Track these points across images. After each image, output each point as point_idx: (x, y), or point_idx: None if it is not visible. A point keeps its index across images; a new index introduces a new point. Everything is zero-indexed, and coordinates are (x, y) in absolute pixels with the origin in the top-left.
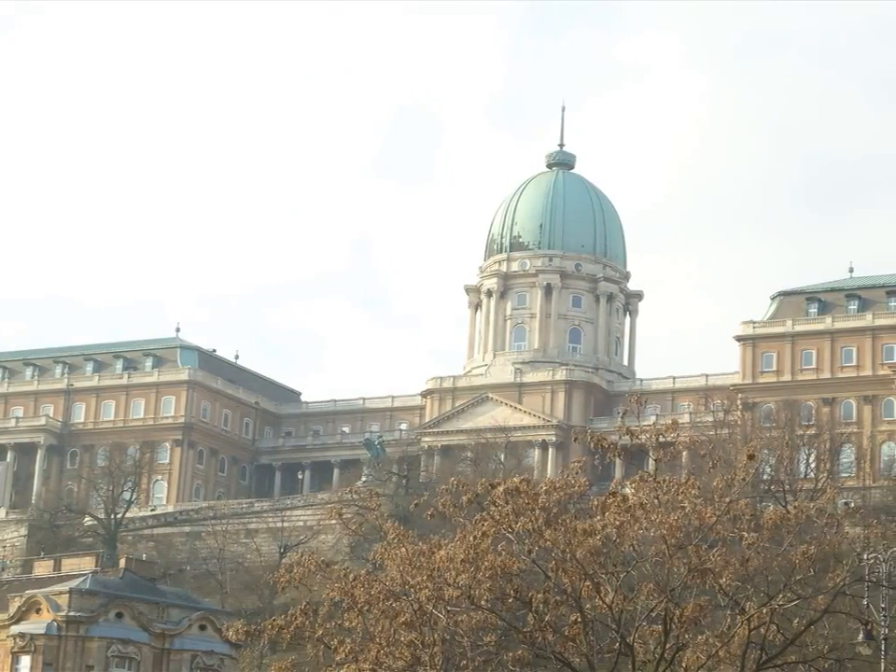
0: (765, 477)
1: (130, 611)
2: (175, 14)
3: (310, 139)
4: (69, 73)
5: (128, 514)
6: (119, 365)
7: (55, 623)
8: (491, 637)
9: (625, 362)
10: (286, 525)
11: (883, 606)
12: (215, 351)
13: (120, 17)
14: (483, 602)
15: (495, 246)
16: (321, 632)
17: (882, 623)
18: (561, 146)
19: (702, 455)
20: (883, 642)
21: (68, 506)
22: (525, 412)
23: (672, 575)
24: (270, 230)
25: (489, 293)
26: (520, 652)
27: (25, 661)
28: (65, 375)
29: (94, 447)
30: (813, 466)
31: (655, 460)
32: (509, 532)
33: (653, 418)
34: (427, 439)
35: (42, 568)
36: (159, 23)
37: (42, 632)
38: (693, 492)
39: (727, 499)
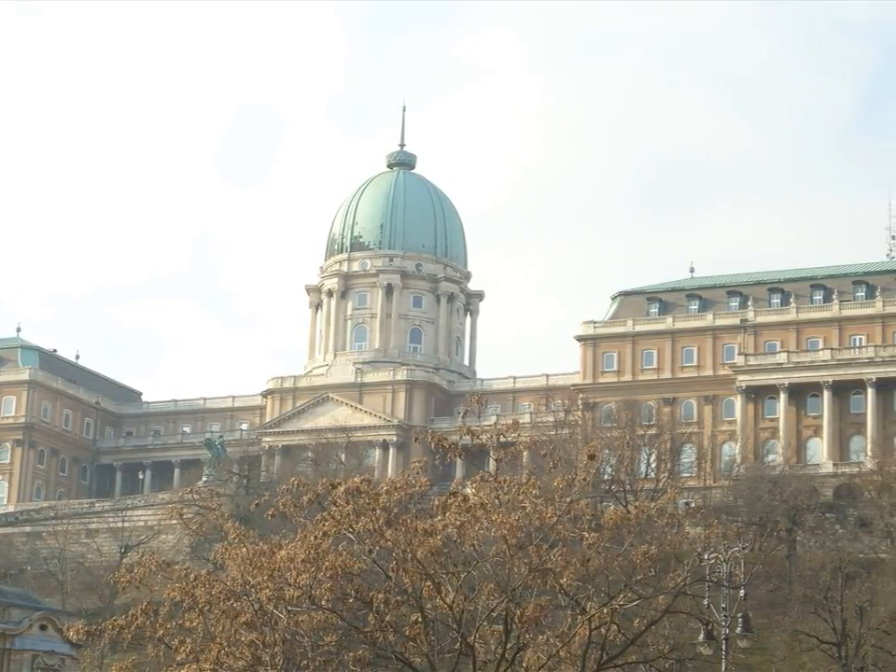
0: (606, 477)
1: None
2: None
3: (149, 139)
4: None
5: None
6: None
7: None
8: (332, 636)
9: (466, 362)
10: (126, 525)
11: (724, 606)
12: (56, 351)
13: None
14: (323, 602)
15: (335, 246)
16: (162, 632)
17: (723, 624)
18: (402, 146)
19: (543, 455)
20: (724, 642)
21: None
22: (365, 412)
23: (513, 575)
24: (111, 229)
25: (330, 293)
26: (361, 652)
27: None
28: None
29: None
30: (654, 466)
31: (496, 460)
32: (349, 532)
33: (494, 418)
34: (267, 439)
35: None
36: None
37: None
38: (533, 492)
39: (568, 499)
